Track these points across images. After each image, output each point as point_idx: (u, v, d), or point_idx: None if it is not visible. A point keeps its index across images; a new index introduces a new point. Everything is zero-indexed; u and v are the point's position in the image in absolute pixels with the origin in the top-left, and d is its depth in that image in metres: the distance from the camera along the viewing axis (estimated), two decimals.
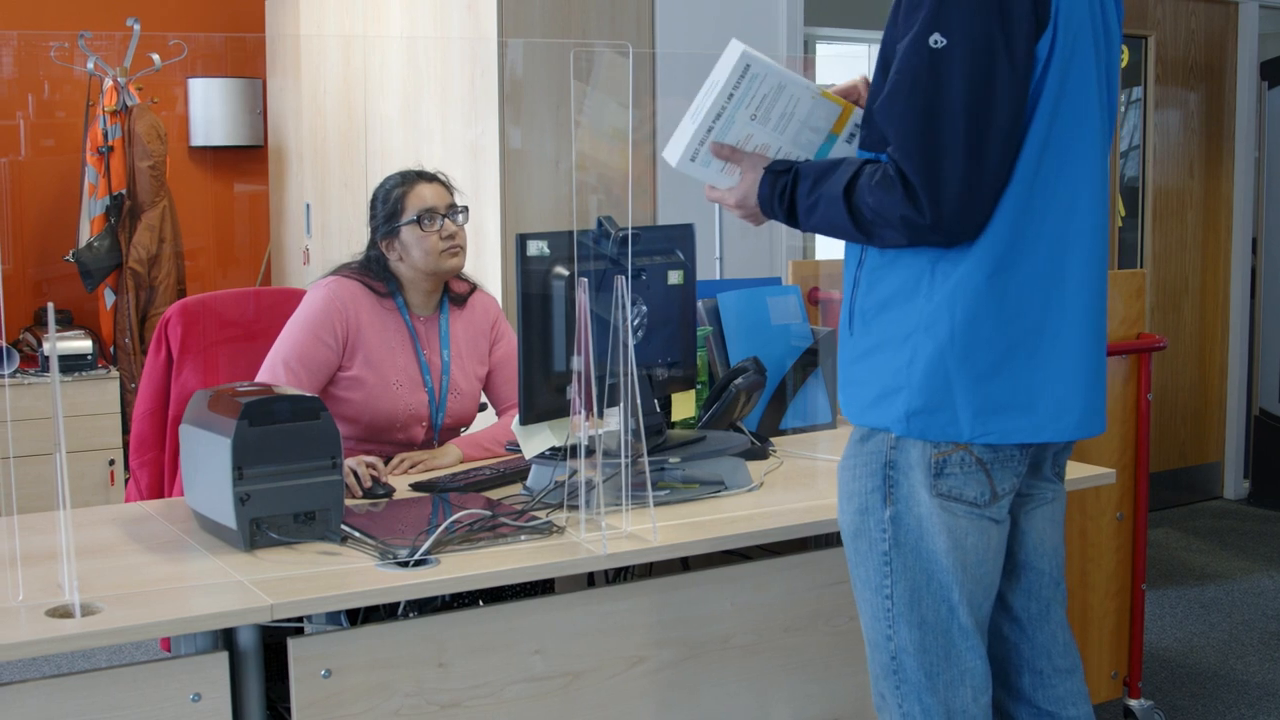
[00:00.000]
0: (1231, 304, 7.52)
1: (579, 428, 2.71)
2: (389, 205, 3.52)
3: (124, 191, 6.12)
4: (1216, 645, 5.15)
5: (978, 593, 2.40)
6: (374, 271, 3.53)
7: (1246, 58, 7.42)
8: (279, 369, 3.31)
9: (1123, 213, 7.10)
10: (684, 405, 3.31)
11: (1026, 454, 2.39)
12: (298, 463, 2.59)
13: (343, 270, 3.55)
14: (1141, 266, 7.08)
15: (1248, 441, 7.57)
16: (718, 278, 4.23)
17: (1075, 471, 3.07)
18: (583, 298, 2.67)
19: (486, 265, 4.68)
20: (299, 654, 2.38)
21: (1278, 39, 7.74)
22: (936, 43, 2.20)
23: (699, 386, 3.38)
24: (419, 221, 3.46)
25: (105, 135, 6.11)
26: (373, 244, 3.55)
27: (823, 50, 7.52)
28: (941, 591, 2.38)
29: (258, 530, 2.56)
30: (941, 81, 2.20)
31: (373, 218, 3.57)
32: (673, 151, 2.51)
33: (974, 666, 2.42)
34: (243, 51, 6.68)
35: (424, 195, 3.51)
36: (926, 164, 2.21)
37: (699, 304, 3.49)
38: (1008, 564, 2.52)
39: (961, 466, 2.33)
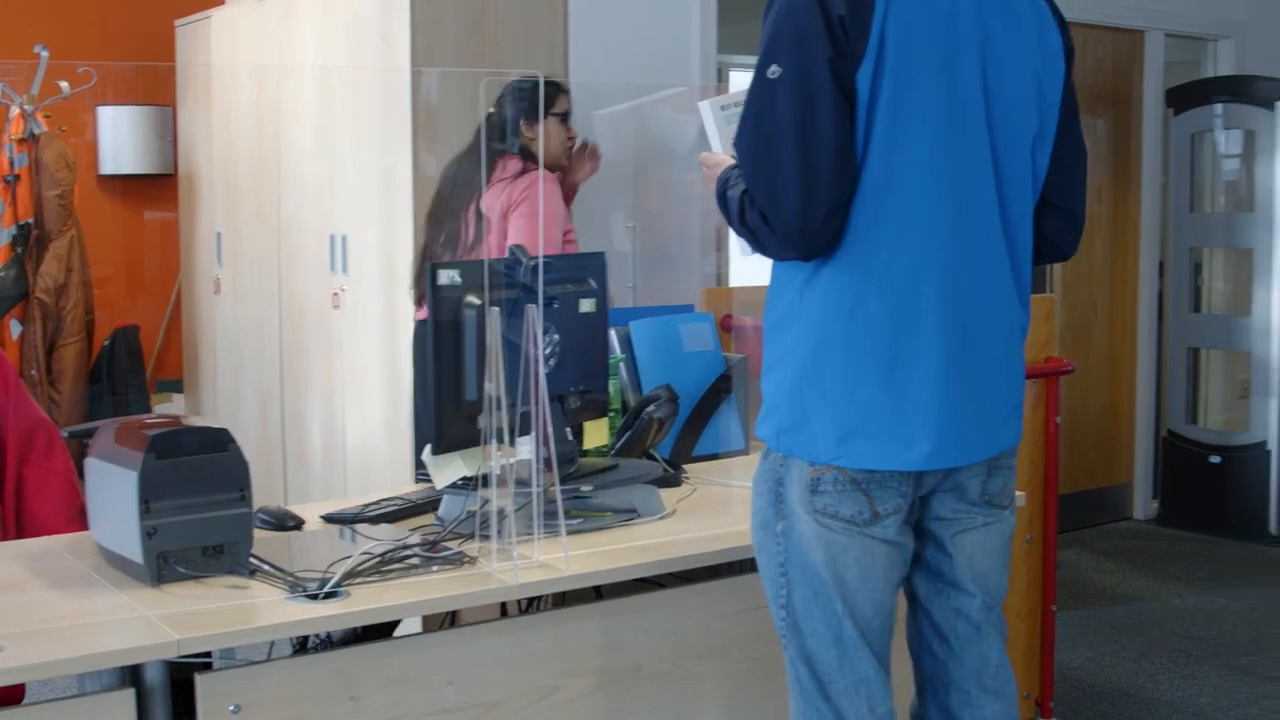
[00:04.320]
0: (1140, 327, 7.63)
1: (491, 457, 2.70)
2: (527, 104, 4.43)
3: (31, 220, 6.04)
4: (1127, 664, 5.22)
5: (865, 607, 2.47)
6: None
7: (1152, 85, 7.55)
8: None
9: None
10: (596, 433, 3.31)
11: (911, 477, 2.44)
12: (206, 495, 2.56)
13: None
14: (1051, 291, 7.17)
15: (1156, 463, 7.67)
16: (631, 305, 4.23)
17: None
18: (495, 326, 2.67)
19: (399, 294, 4.66)
20: (206, 690, 2.35)
21: (1183, 67, 7.87)
22: (772, 73, 2.37)
23: (612, 414, 3.38)
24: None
25: (12, 164, 6.03)
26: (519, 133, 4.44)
27: (735, 78, 7.56)
28: (828, 604, 2.47)
29: (165, 564, 2.53)
30: (776, 108, 2.36)
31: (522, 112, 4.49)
32: (714, 99, 2.75)
33: (868, 676, 2.49)
34: (153, 79, 6.62)
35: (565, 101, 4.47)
36: (767, 184, 2.38)
37: (612, 332, 3.49)
38: (937, 584, 2.59)
39: (835, 485, 2.42)
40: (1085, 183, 2.69)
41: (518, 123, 4.59)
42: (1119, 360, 7.61)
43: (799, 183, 2.34)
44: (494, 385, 2.66)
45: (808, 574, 2.48)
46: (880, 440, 2.40)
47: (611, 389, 3.39)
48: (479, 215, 4.49)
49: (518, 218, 4.44)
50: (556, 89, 4.67)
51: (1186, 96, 7.51)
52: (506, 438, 2.68)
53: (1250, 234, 7.29)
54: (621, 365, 3.58)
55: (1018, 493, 3.17)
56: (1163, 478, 7.63)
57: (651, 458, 3.34)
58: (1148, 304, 7.65)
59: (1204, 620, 5.78)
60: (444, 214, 4.55)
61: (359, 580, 2.56)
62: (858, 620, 2.47)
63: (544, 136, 4.50)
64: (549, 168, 4.58)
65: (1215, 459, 7.31)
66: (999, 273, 2.48)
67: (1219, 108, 7.36)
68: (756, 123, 2.40)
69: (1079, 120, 2.66)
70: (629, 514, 3.00)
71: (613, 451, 3.33)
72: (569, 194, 4.74)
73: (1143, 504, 7.69)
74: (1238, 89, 7.35)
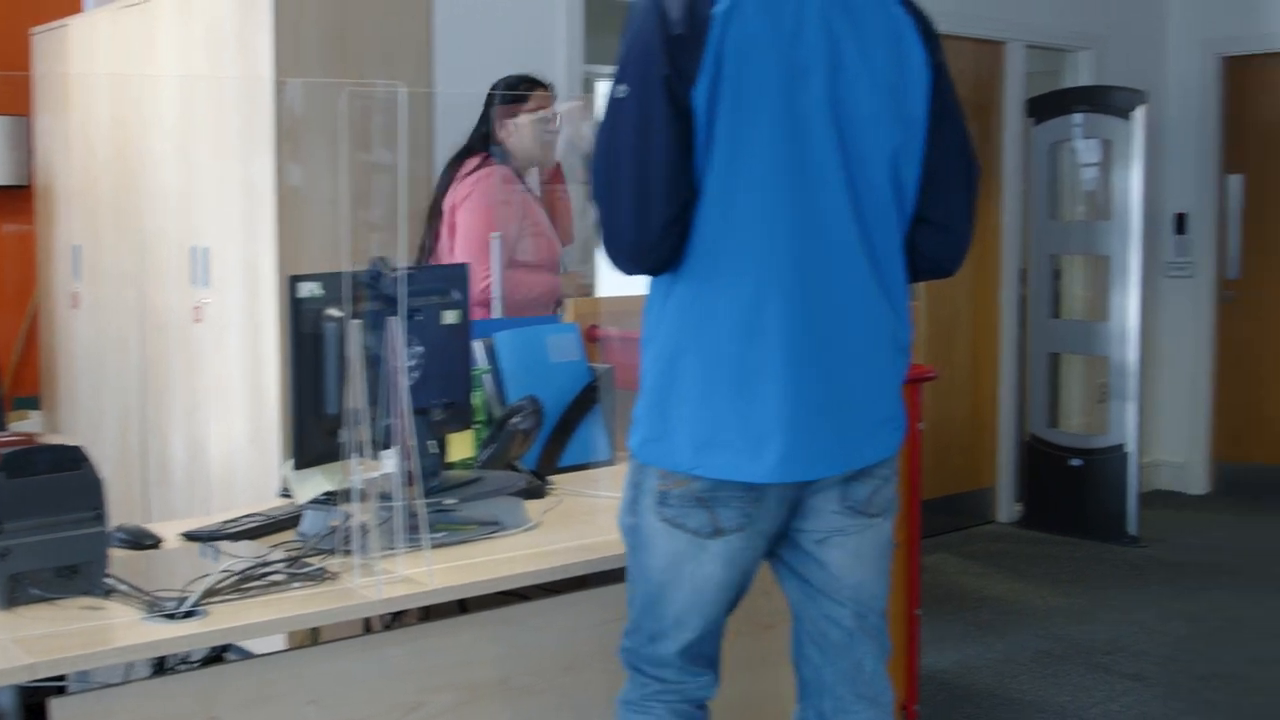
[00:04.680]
0: (1002, 333, 7.75)
1: (353, 471, 2.68)
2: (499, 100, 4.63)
3: None
4: (992, 666, 5.30)
5: (691, 614, 2.56)
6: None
7: (1013, 95, 7.68)
8: None
9: None
10: (461, 446, 3.30)
11: (754, 491, 2.47)
12: (59, 515, 2.51)
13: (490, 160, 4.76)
14: (915, 299, 7.24)
15: (1019, 466, 7.80)
16: (496, 317, 4.22)
17: None
18: (355, 339, 2.66)
19: (263, 306, 4.61)
20: (61, 714, 2.31)
21: (1043, 77, 8.01)
22: (620, 93, 2.45)
23: (476, 427, 3.38)
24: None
25: None
26: (483, 128, 4.88)
27: (601, 88, 7.57)
28: (658, 608, 2.57)
29: (17, 586, 2.48)
30: (618, 127, 2.45)
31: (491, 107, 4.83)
32: None
33: (674, 681, 2.61)
34: (7, 89, 6.47)
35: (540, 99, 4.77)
36: (608, 202, 2.48)
37: (476, 343, 3.49)
38: (808, 591, 2.64)
39: (682, 499, 2.49)
40: (965, 197, 2.65)
41: (489, 120, 4.79)
42: (982, 366, 7.73)
43: (633, 200, 2.43)
44: (355, 399, 2.65)
45: (646, 571, 2.59)
46: (731, 451, 2.45)
47: (476, 401, 3.38)
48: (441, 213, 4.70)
49: (462, 213, 4.62)
50: (533, 85, 4.83)
51: (1046, 106, 7.65)
52: (369, 451, 2.67)
53: (1107, 241, 7.44)
54: (486, 377, 3.57)
55: None
56: (1025, 481, 7.77)
57: (516, 469, 3.34)
58: (1009, 310, 7.78)
59: (1065, 620, 5.89)
60: (434, 213, 4.74)
61: (218, 599, 2.53)
62: (681, 625, 2.56)
63: (517, 134, 4.76)
64: (525, 165, 4.81)
65: (1076, 462, 7.45)
66: (859, 286, 2.50)
67: (1078, 117, 7.51)
68: (605, 141, 2.48)
69: (957, 133, 2.62)
70: (493, 526, 3.00)
71: (477, 464, 3.32)
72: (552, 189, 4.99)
73: (1006, 507, 7.81)
74: (1096, 99, 7.50)
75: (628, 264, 2.51)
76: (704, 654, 2.64)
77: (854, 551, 2.60)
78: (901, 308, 2.59)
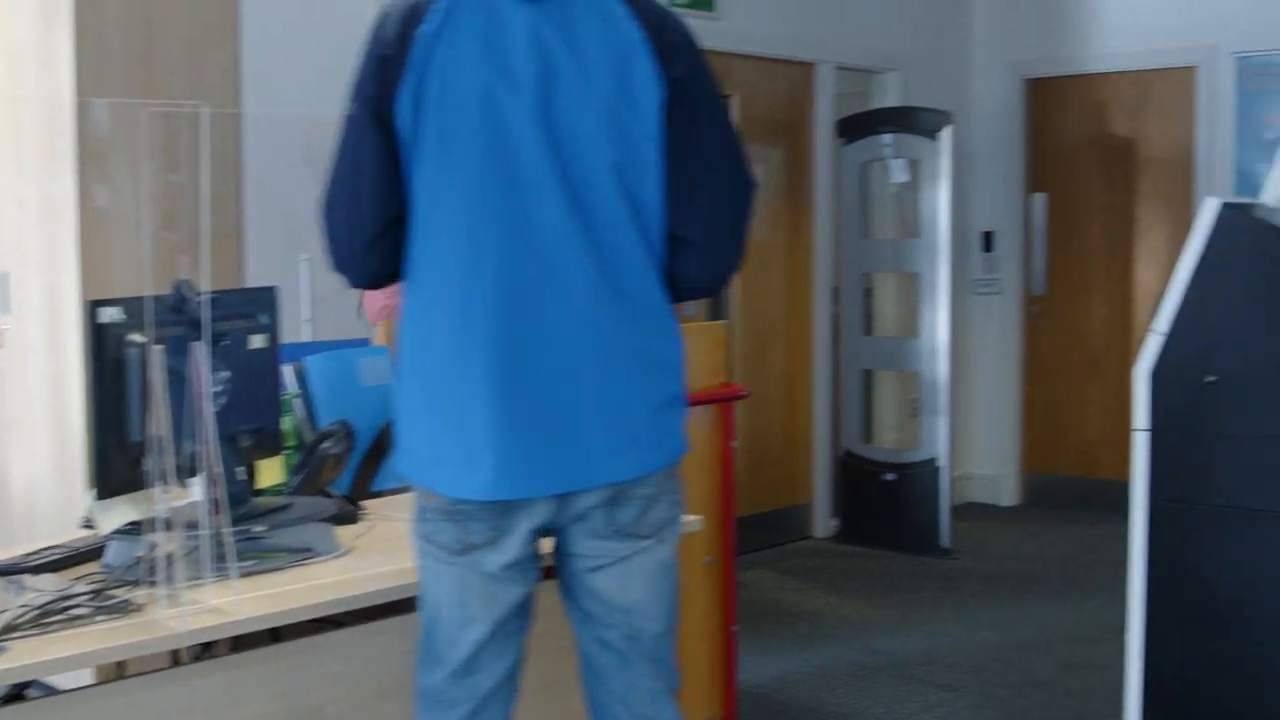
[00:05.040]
0: (816, 351, 7.85)
1: (158, 500, 2.63)
2: None
3: None
4: (809, 679, 5.36)
5: (452, 631, 2.56)
6: None
7: (823, 116, 7.80)
8: None
9: None
10: (271, 472, 3.25)
11: (500, 506, 2.47)
12: None
13: None
14: (727, 317, 7.31)
15: (835, 482, 7.90)
16: (306, 340, 4.16)
17: None
18: (157, 365, 2.60)
19: (65, 332, 4.50)
20: None
21: (851, 98, 8.15)
22: (346, 111, 2.53)
23: (287, 452, 3.32)
24: None
25: None
26: None
27: None
28: (429, 625, 2.60)
29: None
30: (339, 144, 2.54)
31: None
32: None
33: (449, 695, 2.58)
34: None
35: None
36: (327, 212, 2.57)
37: (286, 367, 3.44)
38: (580, 613, 2.63)
39: (436, 514, 2.52)
40: (726, 216, 2.60)
41: None
42: (796, 383, 7.82)
43: (345, 213, 2.54)
44: (159, 426, 2.59)
45: (422, 595, 2.61)
46: (450, 466, 2.48)
47: (286, 426, 3.33)
48: None
49: None
50: None
51: (856, 127, 7.78)
52: (174, 479, 2.62)
53: (917, 259, 7.59)
54: (296, 401, 3.52)
55: (694, 516, 3.22)
56: (840, 496, 7.87)
57: (328, 495, 3.30)
58: (823, 328, 7.89)
59: (880, 633, 5.98)
60: None
61: (19, 634, 2.45)
62: (449, 641, 2.56)
63: None
64: None
65: (889, 476, 7.57)
66: (582, 304, 2.46)
67: (887, 138, 7.64)
68: (332, 158, 2.57)
69: (712, 150, 2.55)
70: (304, 553, 2.95)
71: (288, 490, 3.27)
72: None
73: (822, 522, 7.91)
74: (904, 120, 7.65)
75: (345, 275, 2.60)
76: (490, 681, 2.59)
77: (625, 575, 2.58)
78: (654, 325, 2.55)
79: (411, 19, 2.46)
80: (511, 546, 2.51)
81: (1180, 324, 3.59)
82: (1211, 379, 3.54)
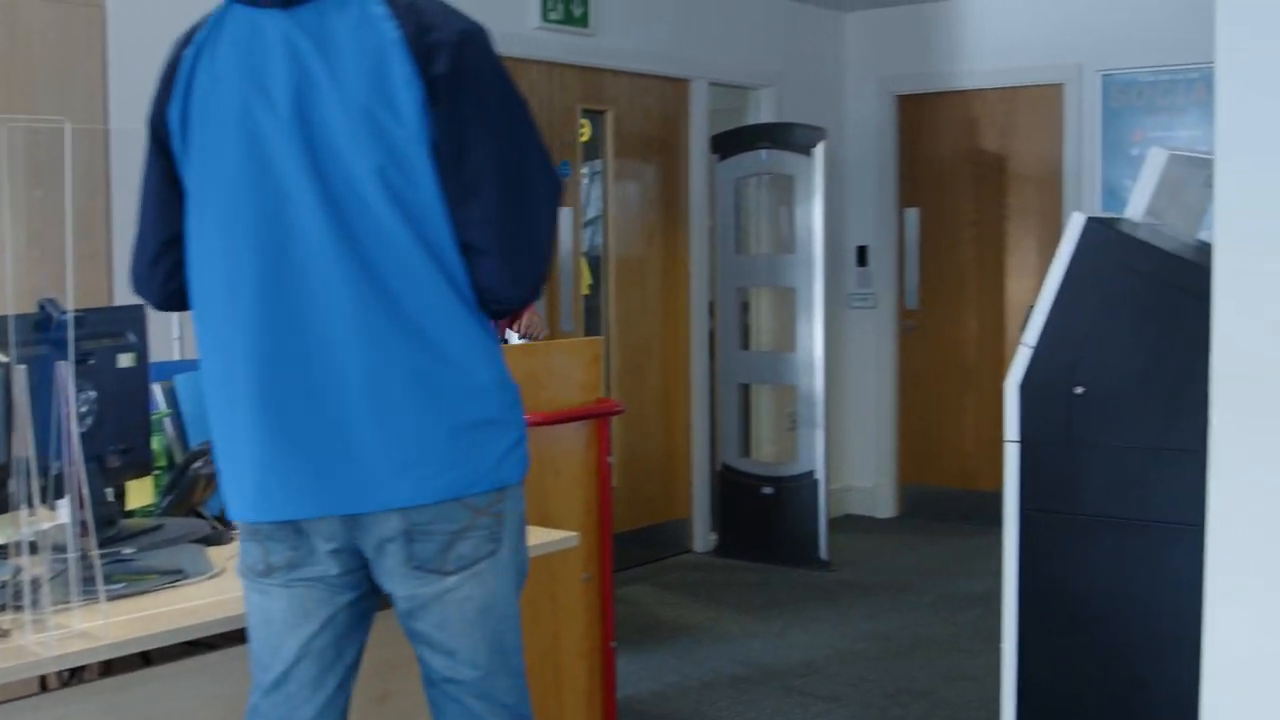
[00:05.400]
0: (693, 365, 7.88)
1: (23, 523, 2.57)
2: None
3: None
4: (689, 694, 5.36)
5: (263, 652, 2.53)
6: None
7: (699, 132, 7.83)
8: None
9: (589, 280, 7.35)
10: (141, 493, 3.19)
11: (291, 529, 2.45)
12: None
13: None
14: (603, 334, 7.32)
15: (713, 496, 7.93)
16: (175, 358, 4.10)
17: (539, 537, 3.13)
18: (21, 385, 2.55)
19: None
20: None
21: (726, 114, 8.21)
22: None
23: (157, 472, 3.27)
24: None
25: None
26: None
27: None
28: (249, 645, 2.57)
29: None
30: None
31: None
32: None
33: (267, 717, 2.54)
34: None
35: None
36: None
37: (155, 386, 3.38)
38: (416, 651, 2.55)
39: (243, 535, 2.53)
40: (513, 220, 2.43)
41: None
42: (674, 398, 7.84)
43: (136, 233, 2.60)
44: (22, 447, 2.54)
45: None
46: (230, 488, 2.50)
47: (157, 446, 3.28)
48: None
49: None
50: None
51: (731, 143, 7.83)
52: (39, 502, 2.56)
53: (792, 273, 7.64)
54: (167, 420, 3.47)
55: (569, 533, 3.20)
56: (719, 510, 7.90)
57: (200, 515, 3.25)
58: (699, 343, 7.92)
59: (761, 646, 6.00)
60: None
61: None
62: (261, 665, 2.53)
63: None
64: None
65: (768, 490, 7.62)
66: (352, 320, 2.36)
67: (762, 154, 7.70)
68: None
69: (491, 152, 2.41)
70: (176, 575, 2.90)
71: (158, 511, 3.22)
72: None
73: (701, 537, 7.93)
74: (778, 136, 7.70)
75: (140, 294, 2.65)
76: (310, 710, 2.52)
77: (438, 618, 2.47)
78: (445, 344, 2.40)
79: (184, 39, 2.49)
80: (313, 568, 2.46)
81: (1048, 337, 3.64)
82: (1080, 390, 3.60)
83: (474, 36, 2.43)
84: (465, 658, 2.50)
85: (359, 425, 2.37)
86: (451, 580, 2.44)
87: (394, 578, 2.46)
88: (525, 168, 2.46)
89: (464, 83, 2.38)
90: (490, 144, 2.41)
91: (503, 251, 2.42)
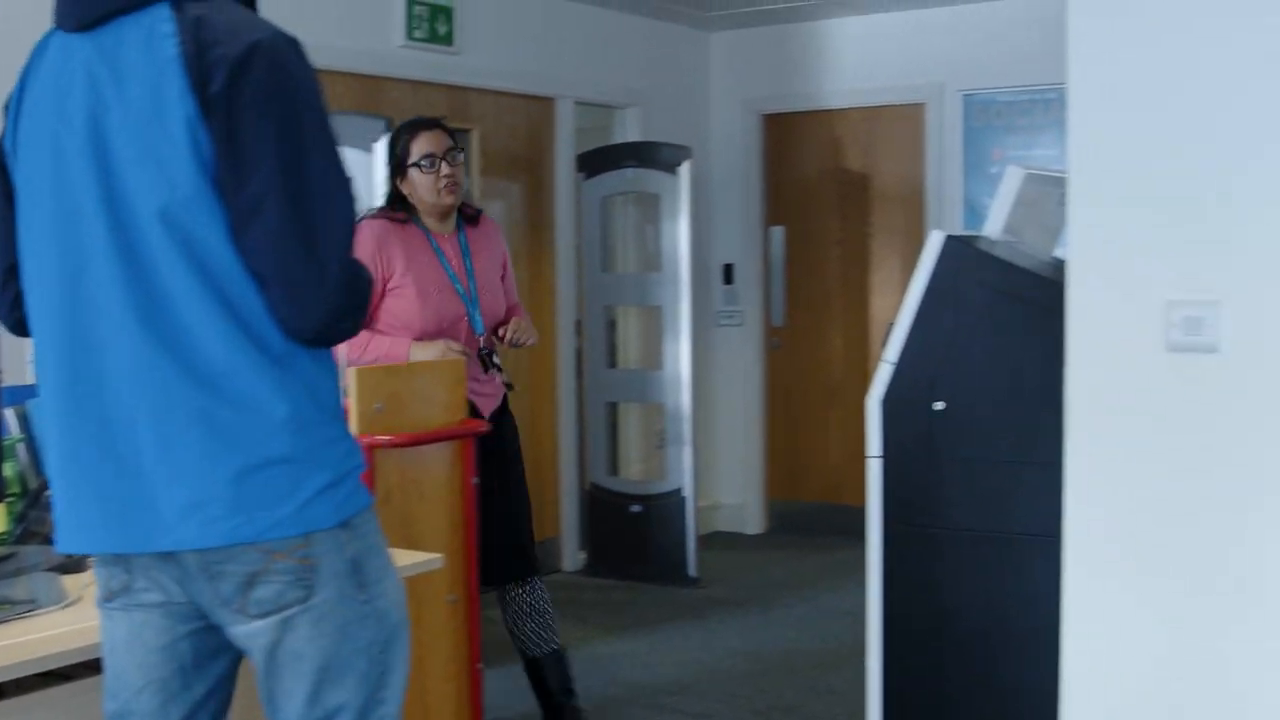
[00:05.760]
0: (560, 384, 7.87)
1: None
2: (398, 151, 4.60)
3: None
4: None
5: (110, 680, 2.48)
6: (394, 205, 4.64)
7: (564, 151, 7.83)
8: None
9: None
10: None
11: (114, 558, 2.41)
12: None
13: (368, 213, 4.56)
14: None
15: (582, 515, 7.93)
16: (29, 383, 4.01)
17: (404, 559, 3.10)
18: None
19: None
20: None
21: (591, 133, 8.21)
22: None
23: (10, 500, 3.20)
24: (420, 164, 4.56)
25: None
26: (390, 181, 4.64)
27: None
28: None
29: None
30: None
31: (390, 160, 4.63)
32: None
33: None
34: None
35: (425, 141, 4.58)
36: None
37: (8, 411, 3.31)
38: None
39: (96, 560, 2.47)
40: (287, 243, 2.23)
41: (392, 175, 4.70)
42: (542, 417, 7.82)
43: None
44: None
45: None
46: (55, 515, 2.46)
47: (9, 472, 3.21)
48: None
49: None
50: (416, 129, 4.67)
51: (596, 162, 7.83)
52: None
53: (659, 292, 7.67)
54: (20, 446, 3.39)
55: (433, 555, 3.18)
56: (588, 529, 7.89)
57: (53, 543, 3.18)
58: (567, 361, 7.91)
59: (630, 664, 6.00)
60: None
61: None
62: (111, 694, 2.47)
63: (410, 183, 4.61)
64: (428, 215, 4.67)
65: (636, 508, 7.62)
66: (134, 358, 2.26)
67: (628, 172, 7.71)
68: None
69: (274, 174, 2.21)
70: (29, 605, 2.84)
71: (11, 539, 3.15)
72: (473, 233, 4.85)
73: (570, 556, 7.92)
74: (643, 155, 7.73)
75: None
76: None
77: (255, 654, 2.38)
78: (228, 386, 2.25)
79: (27, 65, 2.45)
80: (147, 594, 2.40)
81: (909, 353, 3.69)
82: (940, 406, 3.65)
83: (264, 48, 2.24)
84: (281, 705, 2.38)
85: (150, 464, 2.27)
86: (257, 625, 2.32)
87: (214, 612, 2.37)
88: (311, 187, 2.25)
89: (241, 100, 2.21)
90: (271, 163, 2.22)
91: (287, 281, 2.24)
